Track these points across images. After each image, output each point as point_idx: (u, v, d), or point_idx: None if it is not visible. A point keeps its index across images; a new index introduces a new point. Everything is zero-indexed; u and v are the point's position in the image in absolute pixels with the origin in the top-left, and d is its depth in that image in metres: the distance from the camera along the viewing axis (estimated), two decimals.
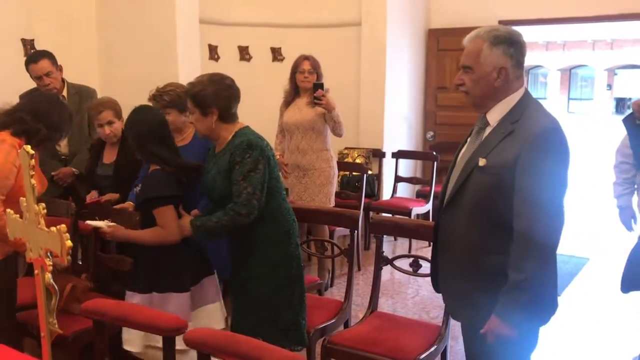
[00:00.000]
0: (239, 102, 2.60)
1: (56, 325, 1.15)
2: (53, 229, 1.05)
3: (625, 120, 2.94)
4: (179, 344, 2.33)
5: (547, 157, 1.84)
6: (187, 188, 2.65)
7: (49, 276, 1.10)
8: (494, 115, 1.99)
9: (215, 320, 2.71)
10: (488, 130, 2.01)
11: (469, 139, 2.11)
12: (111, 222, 2.71)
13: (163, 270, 2.57)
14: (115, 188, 3.33)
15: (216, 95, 2.49)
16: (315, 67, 4.22)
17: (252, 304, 2.58)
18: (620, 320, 3.97)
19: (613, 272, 5.01)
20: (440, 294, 2.29)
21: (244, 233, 2.54)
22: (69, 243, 1.02)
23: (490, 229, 1.94)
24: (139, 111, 2.70)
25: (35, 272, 1.12)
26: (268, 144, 2.59)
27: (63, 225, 1.04)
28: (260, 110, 4.90)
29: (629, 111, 3.02)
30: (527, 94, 1.99)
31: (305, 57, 4.25)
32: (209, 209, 2.65)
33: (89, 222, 2.80)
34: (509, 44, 1.93)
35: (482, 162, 1.93)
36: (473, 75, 1.97)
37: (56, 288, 1.13)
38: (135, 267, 2.71)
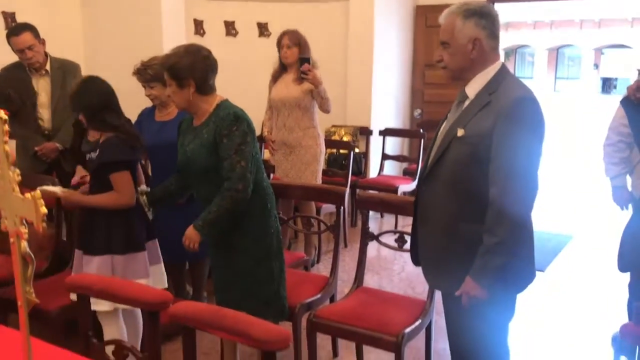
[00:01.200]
0: (217, 73, 2.57)
1: (33, 295, 1.14)
2: (28, 195, 1.03)
3: (623, 102, 2.94)
4: (107, 305, 2.48)
5: (521, 126, 1.90)
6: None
7: (24, 245, 1.09)
8: (473, 88, 2.04)
9: (161, 280, 2.83)
10: (467, 102, 2.06)
11: (449, 114, 2.16)
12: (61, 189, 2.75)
13: (118, 233, 2.64)
14: None
15: (192, 67, 2.45)
16: (295, 41, 4.17)
17: (236, 277, 2.59)
18: (603, 296, 4.02)
19: (596, 249, 5.09)
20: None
21: None
22: (43, 210, 1.01)
23: (468, 198, 2.00)
24: (86, 83, 2.72)
25: (11, 240, 1.10)
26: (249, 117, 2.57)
27: (38, 192, 1.03)
28: (246, 86, 4.87)
29: (614, 91, 3.03)
30: (503, 67, 2.05)
31: (285, 32, 4.22)
32: (180, 184, 2.70)
33: (41, 188, 2.70)
34: (479, 16, 2.00)
35: (460, 132, 1.99)
36: (450, 50, 2.04)
37: (32, 257, 1.12)
38: (86, 230, 2.71)
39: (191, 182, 2.63)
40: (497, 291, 1.99)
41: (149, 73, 3.09)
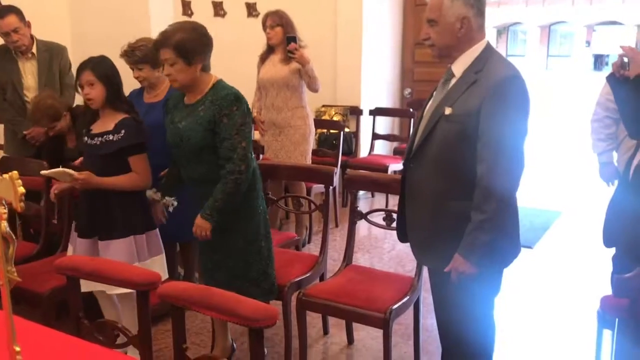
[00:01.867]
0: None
1: (15, 274, 1.16)
2: (5, 176, 1.04)
3: (608, 78, 2.95)
4: (121, 289, 2.47)
5: (508, 104, 1.92)
6: None
7: (4, 224, 1.10)
8: (459, 67, 2.05)
9: (163, 272, 2.83)
10: (453, 81, 2.07)
11: (435, 92, 2.17)
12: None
13: (137, 213, 2.71)
14: None
15: (200, 43, 2.45)
16: (278, 21, 4.16)
17: (226, 257, 2.61)
18: (591, 272, 4.07)
19: (585, 225, 5.14)
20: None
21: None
22: (21, 190, 1.02)
23: (455, 176, 2.02)
24: (104, 59, 2.74)
25: None
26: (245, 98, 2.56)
27: (15, 172, 1.04)
28: (235, 66, 4.83)
29: (606, 68, 3.03)
30: (488, 45, 2.06)
31: (267, 14, 4.23)
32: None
33: (47, 172, 2.73)
34: None
35: (448, 110, 2.00)
36: (437, 27, 2.03)
37: (13, 237, 1.13)
38: (99, 216, 2.70)
39: (181, 160, 2.61)
40: (485, 267, 2.02)
41: (137, 55, 3.08)
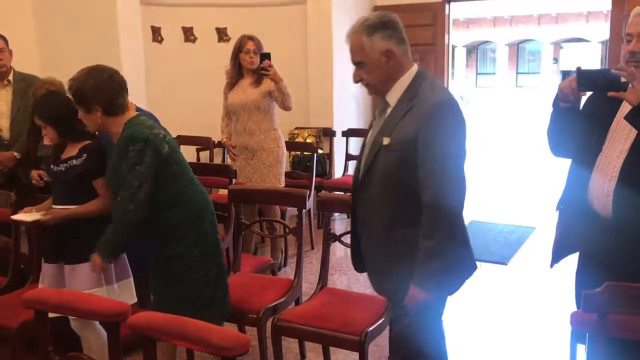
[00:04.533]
0: (126, 92, 2.55)
1: None
2: None
3: (554, 104, 2.96)
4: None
5: (445, 129, 1.96)
6: None
7: None
8: (393, 96, 2.08)
9: (131, 296, 2.84)
10: (389, 110, 2.10)
11: (374, 122, 2.20)
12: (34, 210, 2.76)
13: (88, 239, 2.63)
14: None
15: (96, 90, 2.44)
16: (260, 48, 4.19)
17: (169, 284, 2.60)
18: (565, 287, 4.11)
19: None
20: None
21: (156, 220, 2.54)
22: None
23: (401, 203, 2.04)
24: (49, 97, 2.79)
25: None
26: (159, 131, 2.53)
27: None
28: (207, 91, 4.85)
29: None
30: (419, 71, 2.09)
31: (250, 37, 4.21)
32: None
33: (17, 217, 2.78)
34: (382, 27, 2.03)
35: (386, 140, 2.02)
36: (367, 68, 2.06)
37: None
38: (70, 240, 2.69)
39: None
40: (442, 291, 2.05)
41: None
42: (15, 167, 3.86)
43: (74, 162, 2.66)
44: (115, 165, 2.49)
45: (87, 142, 2.70)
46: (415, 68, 2.09)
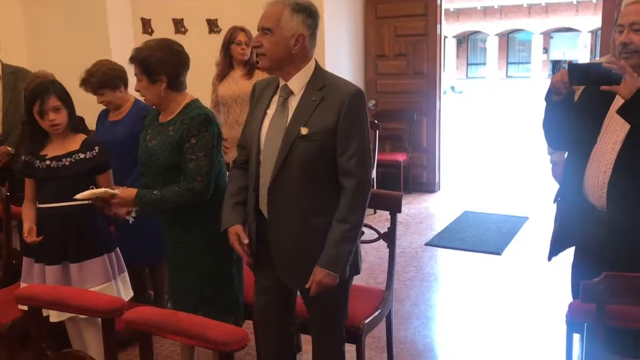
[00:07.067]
0: (188, 69, 2.52)
1: None
2: None
3: (546, 97, 2.96)
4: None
5: (362, 117, 2.06)
6: None
7: None
8: (296, 84, 2.09)
9: (126, 291, 2.83)
10: (293, 99, 2.09)
11: (270, 110, 2.14)
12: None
13: (94, 234, 2.66)
14: None
15: (164, 62, 2.39)
16: (251, 39, 4.16)
17: (194, 281, 2.52)
18: (559, 276, 4.13)
19: (551, 230, 5.21)
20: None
21: (188, 208, 2.46)
22: None
23: (317, 192, 2.08)
24: (55, 82, 2.71)
25: None
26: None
27: None
28: (197, 83, 4.77)
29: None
30: (318, 65, 2.13)
31: (241, 29, 4.18)
32: (140, 181, 2.61)
33: (94, 191, 2.49)
34: (308, 13, 2.04)
35: (304, 131, 2.02)
36: (272, 38, 2.03)
37: None
38: (53, 240, 2.63)
39: (149, 178, 2.55)
40: (348, 274, 2.16)
41: (93, 81, 3.05)
42: (8, 162, 3.82)
43: (81, 155, 2.60)
44: (174, 141, 2.39)
45: (84, 135, 2.66)
46: (314, 62, 2.11)
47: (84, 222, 2.63)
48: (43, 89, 2.59)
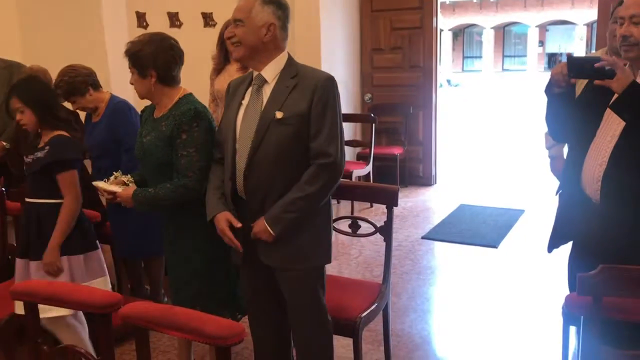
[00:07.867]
0: (182, 64, 2.50)
1: None
2: None
3: (546, 90, 2.95)
4: (57, 311, 2.43)
5: (334, 99, 2.16)
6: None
7: None
8: (269, 73, 2.19)
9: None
10: (267, 87, 2.19)
11: (244, 101, 2.22)
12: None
13: (75, 234, 2.64)
14: None
15: (155, 56, 2.37)
16: None
17: (191, 277, 2.51)
18: (554, 269, 4.14)
19: (548, 223, 5.21)
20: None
21: (184, 204, 2.44)
22: None
23: (291, 175, 2.15)
24: (30, 81, 2.69)
25: None
26: (211, 114, 2.51)
27: None
28: (192, 78, 4.75)
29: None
30: (290, 56, 2.24)
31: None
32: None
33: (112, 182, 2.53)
34: (278, 5, 2.15)
35: (279, 114, 2.12)
36: (244, 28, 2.14)
37: None
38: (22, 234, 2.67)
39: (146, 173, 2.55)
40: (286, 239, 2.18)
41: (59, 93, 3.03)
42: (3, 157, 3.80)
43: (39, 154, 2.59)
44: (165, 137, 2.38)
45: (59, 133, 2.62)
46: (287, 54, 2.22)
47: (44, 225, 2.62)
48: (10, 90, 2.63)
